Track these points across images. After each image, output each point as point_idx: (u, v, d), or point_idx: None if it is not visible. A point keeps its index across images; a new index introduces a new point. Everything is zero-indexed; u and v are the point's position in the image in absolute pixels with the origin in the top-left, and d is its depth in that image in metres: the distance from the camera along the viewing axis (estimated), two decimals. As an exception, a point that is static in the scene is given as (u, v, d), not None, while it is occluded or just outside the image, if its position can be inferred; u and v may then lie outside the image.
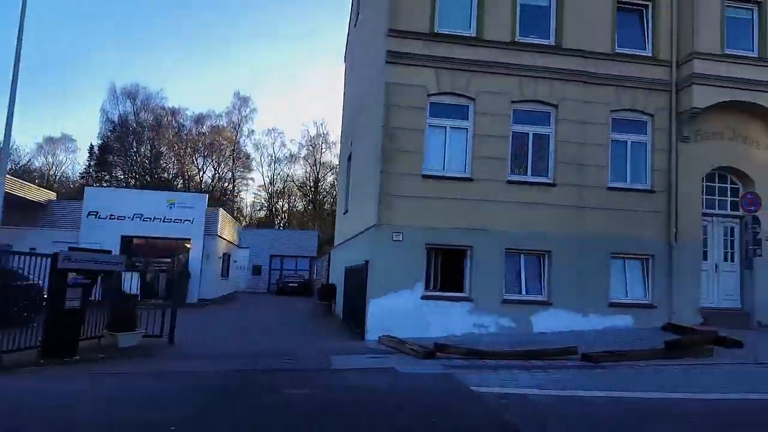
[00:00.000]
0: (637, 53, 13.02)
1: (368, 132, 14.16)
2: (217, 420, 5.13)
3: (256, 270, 36.01)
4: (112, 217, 19.61)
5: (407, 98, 11.98)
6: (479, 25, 12.39)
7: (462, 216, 11.97)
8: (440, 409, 5.60)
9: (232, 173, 56.15)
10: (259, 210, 58.06)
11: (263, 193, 57.02)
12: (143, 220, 19.74)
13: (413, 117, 11.99)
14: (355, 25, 19.69)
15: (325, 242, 35.25)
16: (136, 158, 52.82)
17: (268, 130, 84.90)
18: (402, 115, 11.95)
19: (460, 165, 12.23)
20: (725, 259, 13.28)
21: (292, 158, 56.22)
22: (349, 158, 18.29)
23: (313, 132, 69.84)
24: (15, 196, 19.27)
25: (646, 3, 13.22)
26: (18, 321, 9.22)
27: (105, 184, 49.74)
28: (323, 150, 54.29)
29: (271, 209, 56.84)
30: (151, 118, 54.02)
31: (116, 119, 52.26)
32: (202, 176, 55.36)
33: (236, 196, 56.92)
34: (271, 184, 56.47)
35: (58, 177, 55.66)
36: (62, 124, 74.25)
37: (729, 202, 13.44)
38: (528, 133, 12.52)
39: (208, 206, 21.04)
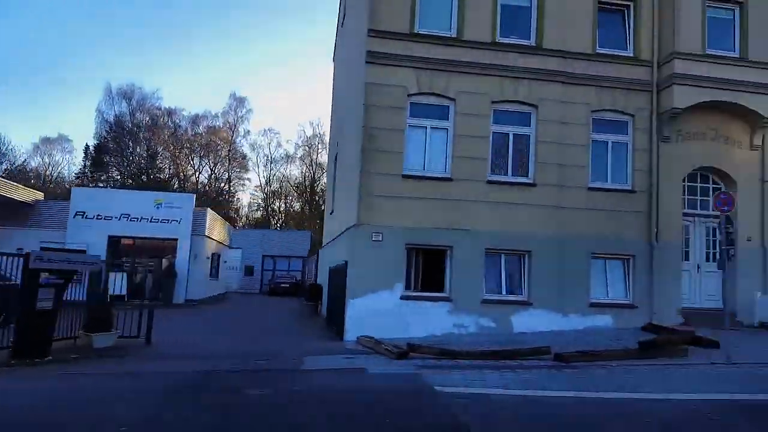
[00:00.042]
0: (619, 53, 13.02)
1: (351, 132, 14.16)
2: (167, 420, 5.12)
3: (249, 270, 35.98)
4: (99, 217, 19.58)
5: (387, 98, 11.97)
6: (459, 26, 12.38)
7: (442, 216, 11.96)
8: (397, 409, 5.59)
9: (228, 174, 56.14)
10: (256, 210, 58.07)
11: (260, 194, 57.02)
12: (130, 221, 19.71)
13: (393, 117, 11.98)
14: (342, 25, 19.70)
15: (318, 243, 35.21)
16: (132, 158, 52.78)
17: (264, 130, 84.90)
18: (382, 116, 11.94)
19: (440, 165, 12.23)
20: (707, 260, 13.28)
21: (288, 159, 56.26)
22: (336, 159, 18.29)
23: (309, 132, 69.89)
24: (2, 197, 19.24)
25: (628, 3, 13.22)
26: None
27: (101, 185, 49.70)
28: (319, 150, 54.26)
29: (268, 210, 56.79)
30: (147, 118, 54.03)
31: (112, 119, 52.27)
32: (198, 177, 55.35)
33: (233, 197, 56.94)
34: (267, 184, 56.47)
35: (54, 177, 55.66)
36: (59, 124, 74.24)
37: (711, 202, 13.39)
38: (508, 134, 12.52)
39: (202, 207, 21.01)
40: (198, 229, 20.89)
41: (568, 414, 5.53)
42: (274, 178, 56.44)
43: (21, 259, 8.74)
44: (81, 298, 10.70)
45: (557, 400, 6.15)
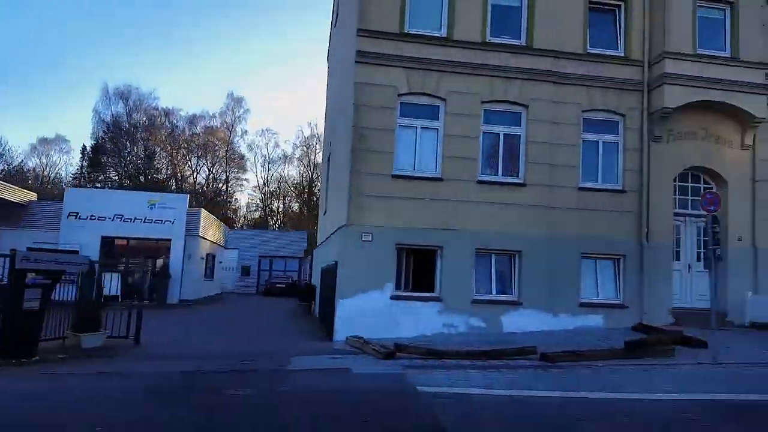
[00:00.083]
0: (609, 53, 13.02)
1: (342, 132, 14.15)
2: (145, 421, 5.11)
3: (245, 271, 35.97)
4: (93, 217, 19.57)
5: (377, 98, 11.97)
6: (450, 26, 12.38)
7: (432, 216, 11.95)
8: (378, 409, 5.59)
9: (226, 174, 56.09)
10: (255, 211, 58.04)
11: (257, 194, 56.99)
12: (123, 221, 19.70)
13: (383, 117, 11.98)
14: (335, 25, 19.70)
15: (314, 243, 35.21)
16: (130, 159, 52.74)
17: (262, 130, 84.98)
18: (372, 115, 11.93)
19: (430, 165, 12.22)
20: (698, 259, 13.27)
21: (286, 159, 56.23)
22: (329, 159, 18.28)
23: (307, 132, 69.78)
24: (-5, 198, 19.25)
25: (619, 3, 13.22)
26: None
27: (99, 185, 49.68)
28: (317, 151, 54.22)
29: (266, 210, 56.76)
30: (144, 118, 54.02)
31: (109, 120, 52.24)
32: (196, 177, 55.33)
33: (231, 197, 56.91)
34: (265, 185, 56.43)
35: (52, 178, 55.62)
36: (56, 124, 74.18)
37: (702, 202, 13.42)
38: (499, 134, 12.52)
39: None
40: (192, 229, 20.87)
41: (548, 414, 5.52)
42: (272, 178, 56.45)
43: (7, 259, 8.73)
44: (70, 299, 10.73)
45: (539, 399, 6.14)
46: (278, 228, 51.37)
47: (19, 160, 52.83)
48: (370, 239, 11.69)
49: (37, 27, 73.70)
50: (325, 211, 18.19)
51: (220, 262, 27.22)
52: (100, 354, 9.51)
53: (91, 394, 6.50)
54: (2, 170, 47.90)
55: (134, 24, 73.04)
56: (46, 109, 72.23)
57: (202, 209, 22.53)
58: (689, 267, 13.17)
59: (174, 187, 50.47)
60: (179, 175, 54.11)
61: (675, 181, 13.17)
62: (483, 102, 12.40)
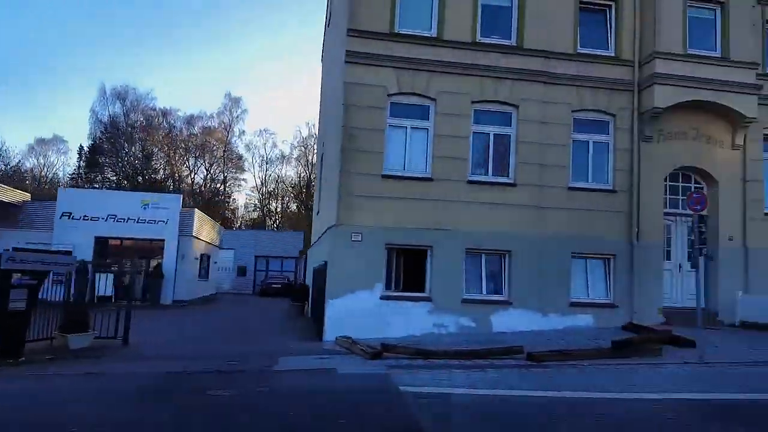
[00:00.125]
0: (600, 53, 13.03)
1: (333, 133, 14.15)
2: (120, 421, 5.10)
3: (241, 271, 35.92)
4: (86, 218, 19.53)
5: (367, 98, 11.96)
6: (440, 26, 12.38)
7: (422, 216, 11.95)
8: (356, 409, 5.58)
9: (224, 174, 56.03)
10: (253, 211, 57.98)
11: (255, 195, 56.95)
12: (117, 221, 19.66)
13: (373, 117, 11.97)
14: (329, 25, 19.69)
15: (310, 243, 35.20)
16: (128, 159, 52.68)
17: (260, 131, 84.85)
18: (362, 115, 11.92)
19: (420, 165, 12.22)
20: (689, 259, 13.27)
21: (284, 159, 56.16)
22: (322, 159, 18.29)
23: (305, 133, 69.72)
24: (-11, 198, 19.22)
25: (609, 3, 13.23)
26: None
27: (96, 186, 49.62)
28: (315, 151, 54.18)
29: (263, 210, 56.70)
30: (142, 118, 53.97)
31: (106, 120, 52.18)
32: (194, 177, 55.28)
33: (229, 197, 56.85)
34: (263, 185, 56.39)
35: (50, 178, 55.53)
36: (54, 125, 74.11)
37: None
38: (489, 134, 12.52)
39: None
40: (185, 229, 20.85)
41: (525, 413, 5.52)
42: (270, 179, 56.42)
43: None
44: (60, 299, 10.73)
45: (519, 399, 6.14)
46: (276, 228, 51.35)
47: (17, 161, 52.78)
48: (360, 239, 11.69)
49: (34, 27, 73.68)
50: (318, 211, 18.19)
51: (215, 263, 27.19)
52: (88, 355, 9.50)
53: (74, 395, 6.49)
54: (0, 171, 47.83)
55: (132, 24, 73.04)
56: (43, 110, 72.22)
57: (196, 209, 22.49)
58: (680, 266, 13.18)
59: (171, 187, 50.42)
60: (177, 175, 54.07)
61: (666, 180, 13.18)
62: (473, 102, 12.40)
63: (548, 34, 12.68)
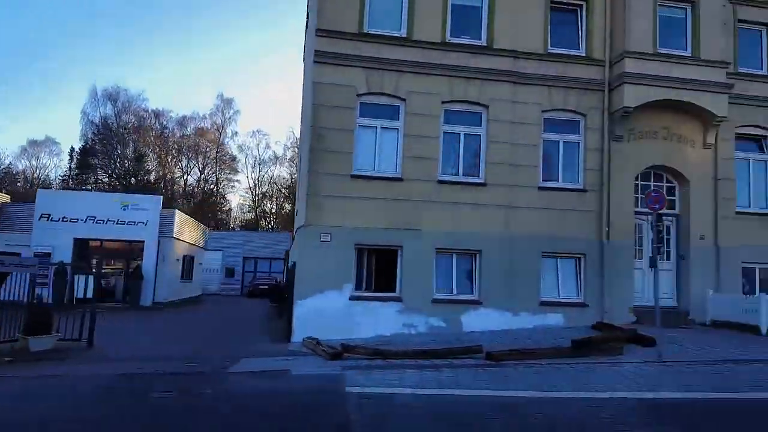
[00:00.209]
0: (571, 53, 13.03)
1: (305, 133, 14.12)
2: (49, 423, 5.07)
3: (229, 272, 35.84)
4: (65, 219, 19.44)
5: (336, 98, 11.94)
6: (409, 26, 12.36)
7: (392, 216, 11.93)
8: (292, 410, 5.57)
9: (216, 176, 55.89)
10: (248, 212, 57.83)
11: (249, 195, 56.80)
12: (96, 223, 19.57)
13: (342, 117, 11.94)
14: (307, 26, 19.66)
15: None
16: (120, 161, 52.49)
17: (253, 131, 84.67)
18: (331, 115, 11.90)
19: (390, 165, 12.20)
20: (661, 258, 13.24)
21: (277, 160, 56.03)
22: (300, 160, 18.26)
23: (298, 134, 69.50)
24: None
25: (580, 2, 13.23)
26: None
27: (89, 187, 49.44)
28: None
29: (256, 211, 56.56)
30: (133, 120, 53.80)
31: (98, 121, 52.00)
32: (187, 179, 55.13)
33: (223, 198, 56.70)
34: (256, 186, 56.26)
35: (42, 180, 55.30)
36: (46, 126, 73.80)
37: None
38: (459, 134, 12.51)
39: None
40: (165, 230, 20.77)
41: (462, 412, 5.51)
42: (264, 179, 56.31)
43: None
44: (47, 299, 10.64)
45: (462, 398, 6.13)
46: (271, 229, 51.23)
47: (8, 162, 52.58)
48: (329, 239, 11.66)
49: (24, 28, 73.38)
50: (297, 212, 18.17)
51: (200, 264, 27.10)
52: (51, 357, 9.45)
53: (21, 397, 6.43)
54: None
55: (123, 25, 72.79)
56: (36, 112, 71.90)
57: (176, 210, 22.41)
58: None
59: (164, 189, 50.26)
60: (169, 176, 53.90)
61: (637, 180, 13.19)
62: (443, 102, 12.39)
63: (518, 34, 12.68)
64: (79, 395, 6.34)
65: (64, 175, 54.34)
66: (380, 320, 11.59)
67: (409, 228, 11.96)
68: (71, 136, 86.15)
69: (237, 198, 61.12)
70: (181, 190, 53.82)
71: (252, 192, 56.51)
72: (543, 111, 12.73)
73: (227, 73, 75.61)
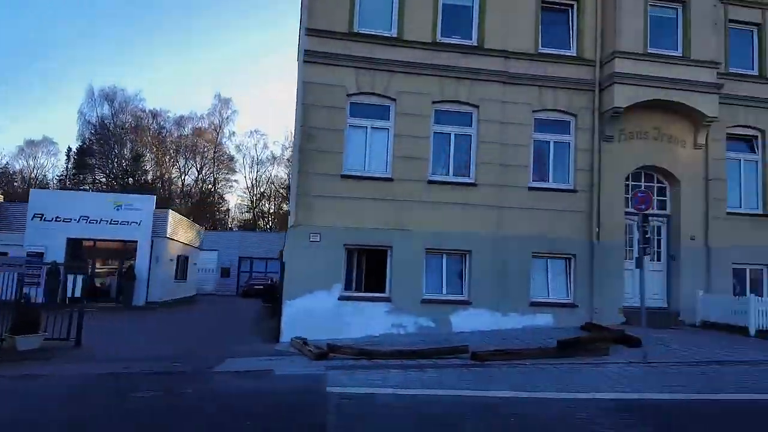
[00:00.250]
0: (562, 53, 13.03)
1: (296, 133, 14.10)
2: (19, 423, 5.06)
3: (225, 272, 35.80)
4: (58, 219, 19.41)
5: (326, 98, 11.93)
6: (400, 26, 12.36)
7: (382, 216, 11.92)
8: (270, 410, 5.55)
9: (214, 176, 55.83)
10: (247, 212, 57.78)
11: (246, 195, 56.76)
12: (89, 222, 19.54)
13: (332, 117, 11.93)
14: (301, 25, 19.64)
15: (289, 244, 35.06)
16: (117, 161, 52.43)
17: (251, 131, 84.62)
18: (321, 115, 11.89)
19: (381, 165, 12.19)
20: (651, 259, 13.30)
21: (275, 160, 55.97)
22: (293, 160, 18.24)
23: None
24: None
25: (571, 2, 13.23)
26: None
27: (88, 187, 49.41)
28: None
29: (254, 212, 56.50)
30: (131, 119, 53.74)
31: (95, 121, 51.96)
32: (184, 179, 55.08)
33: (221, 198, 56.62)
34: (255, 186, 56.21)
35: (39, 180, 55.24)
36: (43, 126, 73.70)
37: (655, 201, 13.43)
38: (450, 134, 12.50)
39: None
40: (159, 230, 20.74)
41: (438, 413, 5.50)
42: (262, 179, 56.27)
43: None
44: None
45: (442, 398, 6.12)
46: (269, 229, 51.18)
47: (5, 162, 52.53)
48: (318, 239, 11.65)
49: (22, 28, 73.31)
50: (289, 212, 18.16)
51: (195, 264, 27.07)
52: (37, 356, 9.43)
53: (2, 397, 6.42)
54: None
55: (120, 24, 72.72)
56: (33, 111, 71.82)
57: (170, 210, 22.36)
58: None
59: (161, 189, 50.20)
60: (167, 176, 53.86)
61: (628, 180, 13.18)
62: (434, 102, 12.39)
63: (509, 34, 12.67)
64: (57, 395, 6.34)
65: (61, 175, 54.34)
66: (369, 320, 11.57)
67: (399, 228, 11.95)
68: (69, 136, 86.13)
69: (235, 198, 61.16)
70: (178, 190, 53.77)
71: (250, 192, 56.48)
72: (533, 111, 12.73)
73: (225, 73, 75.64)
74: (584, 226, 12.62)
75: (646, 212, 9.35)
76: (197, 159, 55.20)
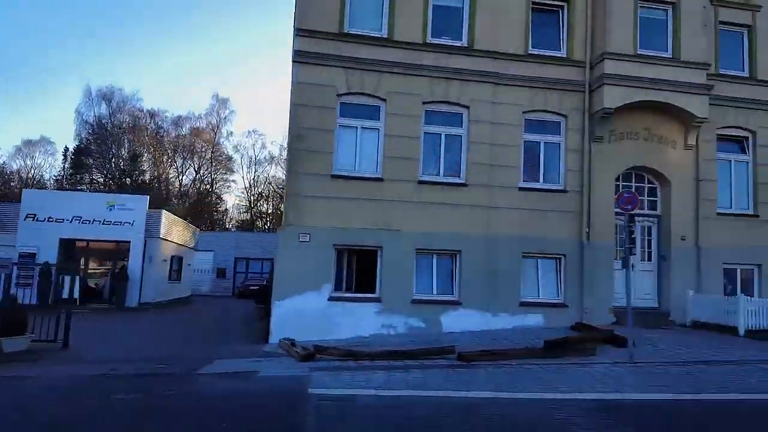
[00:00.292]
0: (552, 54, 13.04)
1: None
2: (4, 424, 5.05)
3: (221, 273, 35.73)
4: (51, 219, 19.35)
5: (316, 98, 11.92)
6: (390, 26, 12.36)
7: (372, 216, 11.92)
8: (248, 411, 5.55)
9: (211, 176, 55.76)
10: (245, 212, 57.71)
11: (244, 195, 56.69)
12: (82, 223, 19.48)
13: (323, 117, 11.93)
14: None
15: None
16: (115, 161, 52.35)
17: (249, 131, 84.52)
18: (311, 115, 11.88)
19: (371, 165, 12.19)
20: (642, 259, 13.34)
21: (273, 160, 55.92)
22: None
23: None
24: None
25: (561, 4, 13.24)
26: None
27: (86, 188, 49.34)
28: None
29: (251, 211, 56.43)
30: (128, 119, 53.66)
31: (92, 121, 51.87)
32: (182, 179, 55.00)
33: (220, 198, 56.56)
34: (252, 186, 56.14)
35: (37, 180, 55.13)
36: (41, 126, 73.55)
37: (646, 201, 13.51)
38: (440, 134, 12.50)
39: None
40: (152, 230, 20.70)
41: (417, 414, 5.50)
42: (260, 180, 56.21)
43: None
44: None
45: (424, 399, 6.11)
46: (267, 230, 51.09)
47: (1, 162, 52.43)
48: (308, 240, 11.64)
49: (22, 28, 73.16)
50: (282, 213, 18.16)
51: (189, 264, 27.01)
52: (24, 358, 9.39)
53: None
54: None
55: (121, 24, 72.63)
56: (30, 111, 71.66)
57: (164, 211, 22.31)
58: (632, 266, 13.13)
59: (159, 189, 50.12)
60: (164, 176, 53.79)
61: (618, 180, 13.19)
62: (424, 103, 12.39)
63: (499, 35, 12.68)
64: (41, 396, 6.31)
65: (59, 175, 54.28)
66: (359, 321, 11.57)
67: (389, 228, 11.95)
68: (66, 136, 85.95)
69: (233, 198, 61.04)
70: (176, 190, 53.70)
71: (248, 192, 56.44)
72: (524, 112, 12.74)
73: (224, 73, 75.55)
74: (574, 226, 12.63)
75: (632, 212, 9.35)
76: (195, 159, 55.14)
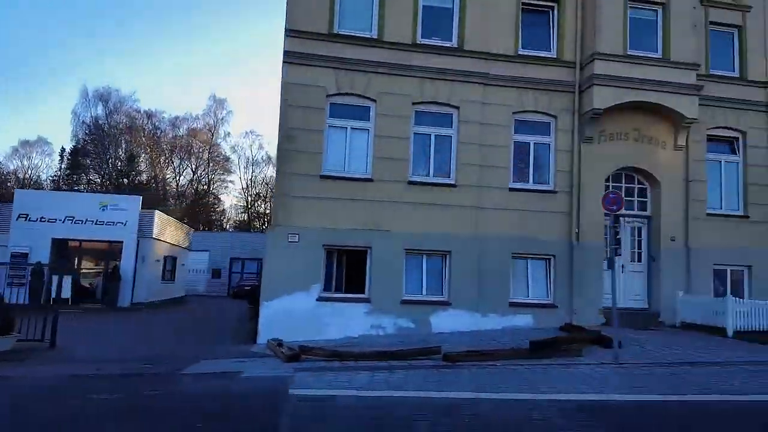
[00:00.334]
0: (542, 55, 13.05)
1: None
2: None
3: (216, 273, 35.70)
4: (43, 219, 19.32)
5: (306, 98, 11.92)
6: (380, 27, 12.36)
7: (362, 217, 11.92)
8: (225, 411, 5.55)
9: (208, 176, 55.71)
10: (242, 213, 57.67)
11: (242, 196, 56.65)
12: (75, 223, 19.45)
13: (312, 117, 11.93)
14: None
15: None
16: (112, 161, 52.27)
17: (246, 132, 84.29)
18: (300, 116, 11.88)
19: (360, 166, 12.19)
20: (632, 260, 13.36)
21: (270, 160, 55.83)
22: (279, 160, 18.22)
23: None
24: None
25: (552, 4, 13.26)
26: None
27: (83, 188, 49.28)
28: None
29: (249, 212, 56.37)
30: (125, 120, 53.61)
31: (89, 122, 51.81)
32: (179, 179, 54.95)
33: (216, 199, 56.50)
34: (250, 186, 56.10)
35: (34, 180, 55.04)
36: (38, 126, 73.42)
37: (636, 202, 13.52)
38: (430, 135, 12.51)
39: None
40: (145, 231, 20.68)
41: (395, 414, 5.49)
42: (258, 180, 56.18)
43: None
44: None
45: (404, 400, 6.10)
46: (264, 230, 51.02)
47: (-3, 162, 52.31)
48: (297, 240, 11.64)
49: (20, 28, 73.02)
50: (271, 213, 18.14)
51: (183, 264, 26.98)
52: (10, 358, 9.37)
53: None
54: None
55: (119, 24, 72.52)
56: (28, 111, 71.52)
57: (156, 211, 22.29)
58: (622, 267, 13.19)
59: (156, 189, 50.04)
60: (161, 177, 53.72)
61: (608, 181, 13.20)
62: (414, 103, 12.40)
63: (489, 35, 12.69)
64: (24, 396, 6.29)
65: (55, 176, 54.19)
66: (348, 321, 11.57)
67: (379, 229, 11.95)
68: (63, 137, 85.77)
69: (231, 199, 61.00)
70: (173, 191, 53.65)
71: (245, 193, 56.41)
72: (514, 112, 12.75)
73: (223, 74, 75.46)
74: (564, 227, 12.64)
75: (617, 213, 9.36)
76: (192, 160, 55.08)
